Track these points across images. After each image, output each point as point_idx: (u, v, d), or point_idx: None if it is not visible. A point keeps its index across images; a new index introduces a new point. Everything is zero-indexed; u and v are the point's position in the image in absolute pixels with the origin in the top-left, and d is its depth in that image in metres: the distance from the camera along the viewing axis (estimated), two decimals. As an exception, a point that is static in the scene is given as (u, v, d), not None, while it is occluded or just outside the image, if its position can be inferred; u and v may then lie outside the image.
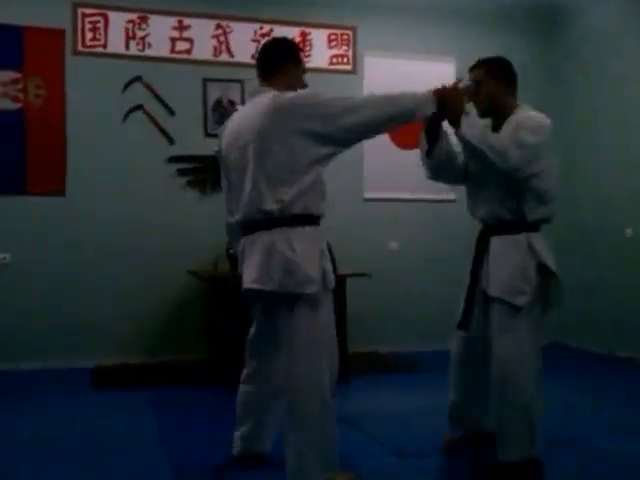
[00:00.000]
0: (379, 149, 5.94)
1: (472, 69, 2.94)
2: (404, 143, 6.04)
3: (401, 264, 5.96)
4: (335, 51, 5.92)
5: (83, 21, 5.28)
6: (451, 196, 6.01)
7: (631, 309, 5.45)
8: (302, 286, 2.44)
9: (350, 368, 4.70)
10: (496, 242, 2.82)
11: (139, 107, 5.39)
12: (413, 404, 4.11)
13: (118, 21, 5.35)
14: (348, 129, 2.46)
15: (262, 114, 2.46)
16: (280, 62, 2.64)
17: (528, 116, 2.82)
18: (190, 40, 5.53)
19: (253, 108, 2.54)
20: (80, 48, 5.28)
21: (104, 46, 5.33)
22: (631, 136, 5.56)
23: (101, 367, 5.06)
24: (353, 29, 5.96)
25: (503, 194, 2.81)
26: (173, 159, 5.46)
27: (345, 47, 5.95)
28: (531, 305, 2.73)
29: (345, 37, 5.95)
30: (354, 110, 2.45)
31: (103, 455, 3.14)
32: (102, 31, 5.32)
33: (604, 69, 5.85)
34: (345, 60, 5.96)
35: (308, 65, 5.76)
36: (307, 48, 5.81)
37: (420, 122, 2.78)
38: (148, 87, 5.41)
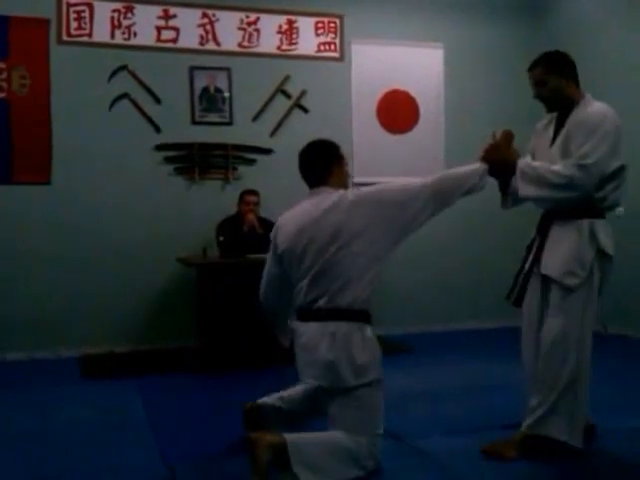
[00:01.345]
0: (367, 133, 5.72)
1: (531, 69, 2.81)
2: (392, 127, 5.80)
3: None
4: (322, 39, 5.62)
5: (68, 10, 4.97)
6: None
7: (623, 285, 5.21)
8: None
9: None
10: (557, 226, 2.71)
11: (125, 96, 5.08)
12: (409, 386, 3.87)
13: (103, 10, 5.04)
14: (421, 216, 2.54)
15: (331, 209, 2.49)
16: (328, 169, 2.63)
17: (585, 121, 2.64)
18: (176, 29, 5.22)
19: (317, 204, 2.55)
20: (65, 37, 4.97)
21: (89, 35, 5.02)
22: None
23: (89, 356, 4.77)
24: (340, 17, 5.65)
25: None
26: (160, 147, 5.15)
27: (332, 35, 5.64)
28: (584, 288, 2.63)
29: (332, 25, 5.64)
30: (424, 198, 2.52)
31: (94, 444, 2.95)
32: (87, 20, 5.00)
33: (586, 55, 5.51)
34: (332, 48, 5.65)
35: (295, 53, 5.53)
36: (294, 36, 5.51)
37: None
38: (134, 76, 5.09)
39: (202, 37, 5.26)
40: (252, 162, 5.34)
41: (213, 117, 5.28)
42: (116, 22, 5.06)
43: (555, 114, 2.83)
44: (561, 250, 2.65)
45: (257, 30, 5.40)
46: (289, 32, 5.49)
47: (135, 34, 5.10)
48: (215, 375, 4.17)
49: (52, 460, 2.75)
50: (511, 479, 2.50)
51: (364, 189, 2.57)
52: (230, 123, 5.31)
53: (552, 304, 2.67)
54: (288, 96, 5.47)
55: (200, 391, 3.90)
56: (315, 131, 5.49)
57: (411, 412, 3.37)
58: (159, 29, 5.16)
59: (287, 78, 5.45)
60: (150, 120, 5.13)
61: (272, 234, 2.71)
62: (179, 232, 5.10)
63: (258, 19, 5.39)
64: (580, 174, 2.53)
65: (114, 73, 5.04)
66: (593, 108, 2.68)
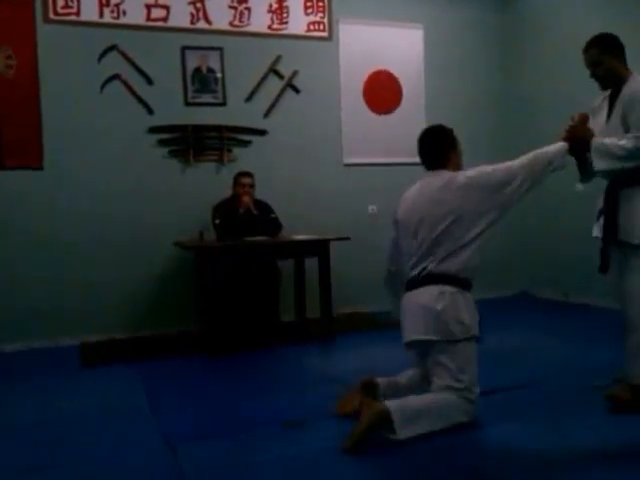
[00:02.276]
0: (356, 115, 5.61)
1: (586, 50, 2.97)
2: (377, 107, 5.68)
3: (381, 226, 5.58)
4: (311, 18, 5.42)
5: (54, -13, 4.65)
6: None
7: (584, 256, 5.28)
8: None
9: (335, 328, 4.55)
10: (624, 193, 2.85)
11: (116, 77, 4.81)
12: (395, 360, 3.74)
13: (91, -13, 4.74)
14: (519, 193, 2.75)
15: (442, 189, 2.73)
16: (446, 154, 2.85)
17: (636, 95, 2.81)
18: (166, 7, 4.94)
19: (430, 184, 2.79)
20: (52, 16, 4.65)
21: (77, 14, 4.71)
22: (579, 95, 5.26)
23: (88, 344, 4.59)
24: (328, -4, 5.46)
25: None
26: (154, 129, 4.91)
27: (321, 14, 5.46)
28: None
29: (320, 4, 5.46)
30: (521, 177, 2.72)
31: (96, 430, 2.87)
32: (74, -3, 4.69)
33: (554, 36, 5.66)
34: (321, 27, 5.47)
35: (285, 32, 5.32)
36: (284, 15, 5.29)
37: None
38: (124, 56, 4.82)
39: (193, 15, 5.01)
40: (247, 143, 5.16)
41: (206, 98, 5.05)
42: (104, 0, 4.75)
43: (608, 92, 2.98)
44: (630, 215, 2.81)
45: (248, 9, 5.16)
46: (279, 11, 5.28)
47: (124, 13, 4.81)
48: (215, 358, 4.08)
49: (55, 448, 2.67)
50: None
51: (470, 172, 2.76)
52: (223, 104, 5.09)
53: (631, 264, 2.82)
54: (280, 76, 5.28)
55: (201, 374, 3.81)
56: (307, 111, 5.39)
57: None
58: (149, 7, 4.88)
59: (279, 58, 5.25)
60: (142, 101, 4.88)
61: (393, 214, 2.97)
62: (175, 216, 4.92)
63: (248, -3, 5.17)
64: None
65: (104, 53, 4.76)
66: (635, 84, 2.83)
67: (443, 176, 2.79)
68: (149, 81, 4.90)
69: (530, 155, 2.78)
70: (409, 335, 2.78)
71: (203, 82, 5.04)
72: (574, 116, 2.92)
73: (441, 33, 5.86)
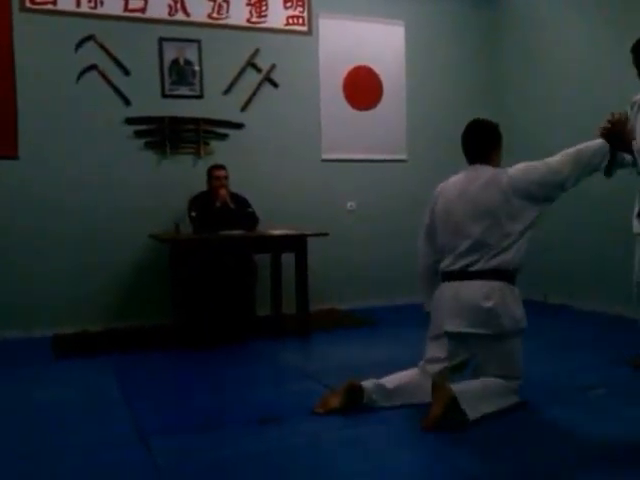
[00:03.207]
0: (335, 111, 5.59)
1: (631, 51, 3.30)
2: (357, 103, 5.67)
3: (358, 222, 5.62)
4: (291, 12, 5.41)
5: (30, -25, 4.60)
6: (403, 156, 5.80)
7: (563, 257, 5.41)
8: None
9: (311, 325, 4.54)
10: None
11: (93, 67, 4.77)
12: (369, 357, 3.83)
13: (68, -24, 4.69)
14: (561, 188, 2.79)
15: (486, 186, 2.75)
16: (490, 151, 2.86)
17: None
18: (144, -2, 4.91)
19: (474, 179, 2.80)
20: (28, 4, 4.61)
21: (54, 3, 4.67)
22: (564, 90, 5.40)
23: (60, 336, 4.54)
24: (307, -10, 5.45)
25: None
26: (130, 120, 4.87)
27: (300, 8, 5.45)
28: None
29: (300, -2, 5.44)
30: (565, 173, 2.76)
31: (69, 423, 2.83)
32: (51, -13, 4.64)
33: (538, 27, 5.71)
34: (300, 21, 5.45)
35: (264, 26, 5.30)
36: (263, 8, 5.28)
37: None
38: (102, 46, 4.77)
39: (171, 7, 4.98)
40: (224, 137, 5.14)
41: (183, 90, 5.03)
42: (81, -11, 4.72)
43: None
44: None
45: (226, 1, 5.15)
46: (258, 4, 5.26)
47: (102, 3, 4.77)
48: (190, 352, 4.06)
49: (27, 440, 2.62)
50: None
51: (512, 170, 2.77)
52: (200, 96, 5.07)
53: None
54: (258, 70, 5.26)
55: (176, 368, 3.79)
56: (285, 106, 5.38)
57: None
58: (127, -3, 4.86)
59: (257, 51, 5.24)
60: (119, 92, 4.85)
61: (431, 201, 2.95)
62: (151, 207, 4.88)
63: (227, -10, 5.14)
64: None
65: (81, 43, 4.72)
66: None
67: (486, 172, 2.79)
68: (126, 72, 4.87)
69: (572, 151, 2.80)
70: (453, 326, 2.76)
71: (180, 74, 5.02)
72: (613, 115, 2.90)
73: (422, 30, 5.84)
